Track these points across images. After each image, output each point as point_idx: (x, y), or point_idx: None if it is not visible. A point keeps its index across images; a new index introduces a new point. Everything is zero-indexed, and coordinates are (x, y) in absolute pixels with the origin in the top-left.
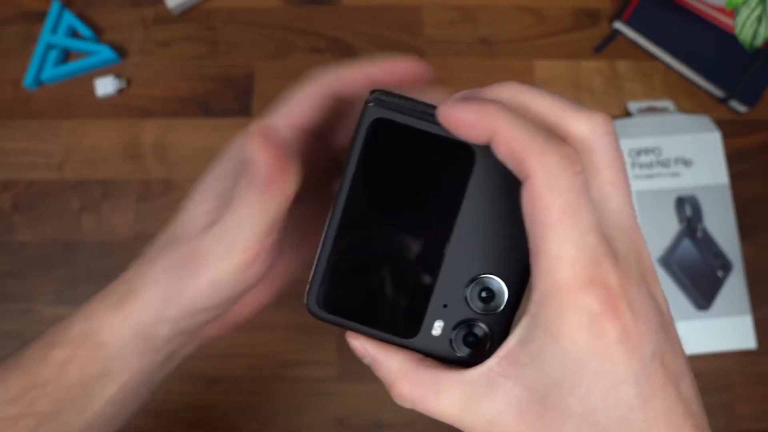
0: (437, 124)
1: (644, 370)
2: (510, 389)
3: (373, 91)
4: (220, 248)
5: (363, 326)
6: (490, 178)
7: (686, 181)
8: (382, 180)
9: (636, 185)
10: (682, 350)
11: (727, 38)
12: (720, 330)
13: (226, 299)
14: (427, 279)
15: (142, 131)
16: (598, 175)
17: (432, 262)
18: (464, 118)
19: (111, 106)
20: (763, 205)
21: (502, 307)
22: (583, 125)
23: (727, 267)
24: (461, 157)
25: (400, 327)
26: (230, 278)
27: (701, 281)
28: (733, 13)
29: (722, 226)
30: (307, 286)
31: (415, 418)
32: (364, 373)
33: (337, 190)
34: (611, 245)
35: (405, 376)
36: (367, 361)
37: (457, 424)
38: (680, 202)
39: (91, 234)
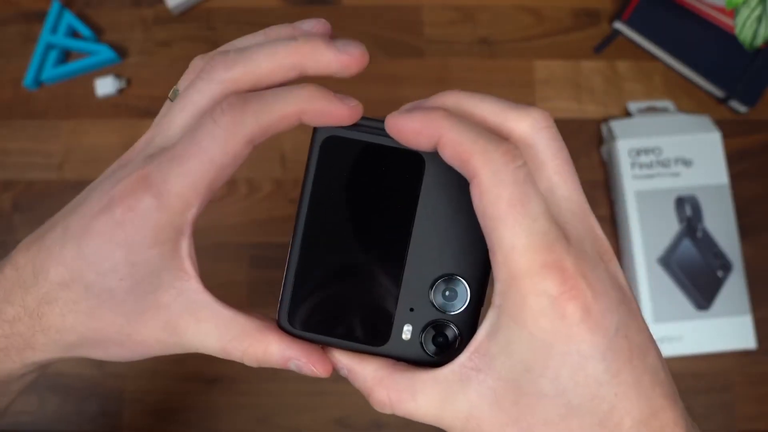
0: (386, 136)
1: (609, 346)
2: (483, 381)
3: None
4: (162, 350)
5: (335, 339)
6: (440, 182)
7: (686, 181)
8: (339, 195)
9: (636, 185)
10: (645, 324)
11: (727, 38)
12: (720, 330)
13: None
14: (391, 286)
15: (142, 131)
16: (543, 167)
17: (394, 268)
18: (410, 127)
19: (111, 106)
20: (763, 205)
21: (466, 305)
22: (523, 123)
23: (727, 267)
24: (411, 165)
25: (371, 336)
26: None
27: (701, 281)
28: (733, 13)
29: (722, 226)
30: (278, 306)
31: None
32: None
33: (297, 210)
34: (564, 230)
35: (380, 382)
36: (343, 372)
37: (437, 424)
38: (680, 202)
39: None
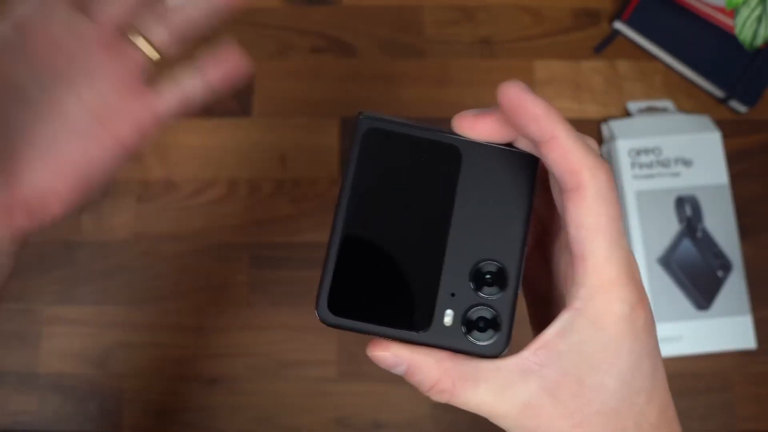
0: (423, 130)
1: (655, 346)
2: (546, 375)
3: (360, 112)
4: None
5: (376, 326)
6: (477, 174)
7: (686, 181)
8: (379, 185)
9: (636, 185)
10: None
11: (727, 38)
12: (720, 330)
13: None
14: (432, 272)
15: None
16: None
17: (435, 255)
18: (532, 110)
19: None
20: (763, 205)
21: (505, 290)
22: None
23: (727, 267)
24: (449, 157)
25: (413, 322)
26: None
27: (701, 281)
28: (733, 13)
29: (722, 226)
30: (316, 295)
31: (415, 418)
32: (364, 373)
33: (338, 198)
34: None
35: (446, 372)
36: (400, 369)
37: (491, 413)
38: (680, 202)
39: (91, 234)
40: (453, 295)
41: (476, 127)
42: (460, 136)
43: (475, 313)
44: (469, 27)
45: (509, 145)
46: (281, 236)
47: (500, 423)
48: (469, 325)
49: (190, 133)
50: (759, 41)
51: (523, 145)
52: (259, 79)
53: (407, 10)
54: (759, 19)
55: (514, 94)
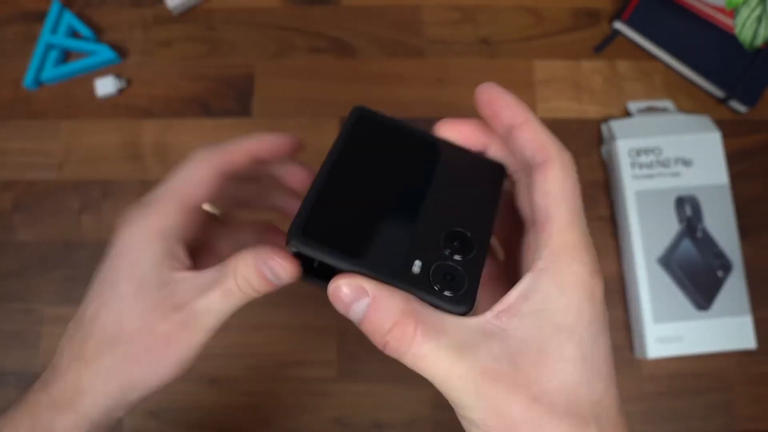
0: (409, 127)
1: (607, 330)
2: (508, 338)
3: (355, 106)
4: (187, 335)
5: (346, 257)
6: (454, 167)
7: (686, 181)
8: (365, 161)
9: (636, 185)
10: None
11: (727, 38)
12: (720, 330)
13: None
14: (406, 228)
15: (142, 131)
16: None
17: (410, 217)
18: (505, 100)
19: (111, 106)
20: (763, 205)
21: (472, 255)
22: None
23: (727, 267)
24: (430, 150)
25: (383, 263)
26: (195, 353)
27: (701, 281)
28: (733, 13)
29: (722, 226)
30: (292, 220)
31: (415, 419)
32: (364, 373)
33: (326, 157)
34: None
35: (412, 313)
36: (362, 304)
37: (446, 375)
38: (680, 202)
39: (91, 234)
40: (423, 250)
41: (456, 128)
42: (441, 138)
43: (442, 269)
44: (469, 27)
45: (482, 153)
46: (281, 236)
47: (452, 391)
48: (436, 277)
49: (190, 133)
50: (759, 41)
51: (493, 154)
52: (259, 79)
53: (407, 9)
54: (759, 19)
55: (490, 88)
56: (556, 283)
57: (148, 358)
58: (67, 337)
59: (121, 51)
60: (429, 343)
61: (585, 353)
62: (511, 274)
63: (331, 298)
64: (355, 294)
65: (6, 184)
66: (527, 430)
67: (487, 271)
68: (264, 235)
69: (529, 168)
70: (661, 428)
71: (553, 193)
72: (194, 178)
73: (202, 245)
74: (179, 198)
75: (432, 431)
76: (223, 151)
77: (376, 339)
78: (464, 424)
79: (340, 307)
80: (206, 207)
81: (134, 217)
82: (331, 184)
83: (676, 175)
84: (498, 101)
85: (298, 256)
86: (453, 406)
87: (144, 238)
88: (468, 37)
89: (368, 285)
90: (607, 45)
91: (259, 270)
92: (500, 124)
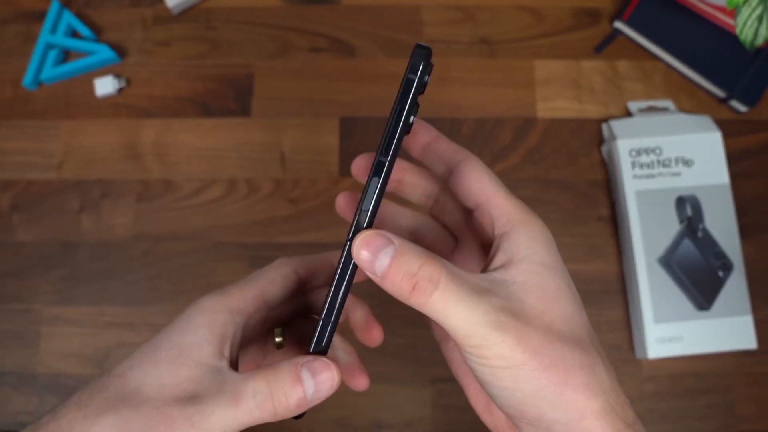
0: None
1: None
2: (511, 283)
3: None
4: (204, 424)
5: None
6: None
7: (687, 180)
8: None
9: (636, 185)
10: None
11: (728, 38)
12: (720, 330)
13: None
14: None
15: (142, 131)
16: None
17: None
18: (420, 131)
19: (110, 106)
20: (763, 204)
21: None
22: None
23: (727, 267)
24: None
25: None
26: None
27: (702, 281)
28: (733, 12)
29: (723, 225)
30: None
31: (415, 419)
32: None
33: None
34: None
35: (435, 257)
36: (387, 252)
37: (467, 317)
38: (681, 202)
39: (91, 234)
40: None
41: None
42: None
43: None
44: (469, 27)
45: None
46: (281, 236)
47: (477, 328)
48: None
49: (190, 133)
50: (760, 41)
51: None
52: (259, 79)
53: (407, 9)
54: (760, 19)
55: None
56: (527, 235)
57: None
58: (85, 387)
59: (120, 51)
60: (454, 284)
61: (570, 286)
62: (466, 251)
63: (357, 250)
64: (382, 241)
65: (5, 184)
66: (549, 354)
67: (445, 250)
68: None
69: (451, 169)
70: (662, 428)
71: (483, 178)
72: (274, 274)
73: (251, 359)
74: (256, 288)
75: (432, 431)
76: (304, 257)
77: (405, 283)
78: (481, 363)
79: (366, 257)
80: (276, 335)
81: (211, 293)
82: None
83: (677, 174)
84: (416, 132)
85: None
86: (470, 349)
87: (209, 310)
88: (468, 37)
89: (391, 236)
90: (607, 45)
91: (295, 374)
92: (416, 144)
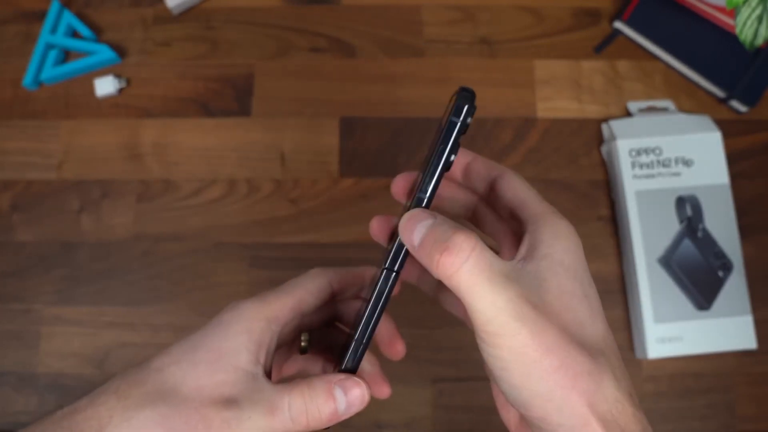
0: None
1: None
2: (533, 277)
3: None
4: (240, 429)
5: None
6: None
7: (687, 180)
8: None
9: (636, 185)
10: None
11: (728, 38)
12: (721, 330)
13: None
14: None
15: (142, 131)
16: None
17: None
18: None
19: (110, 106)
20: (763, 204)
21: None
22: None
23: (727, 267)
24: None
25: None
26: None
27: (702, 281)
28: (733, 12)
29: (723, 225)
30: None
31: (415, 419)
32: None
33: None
34: None
35: (470, 232)
36: (425, 223)
37: (492, 300)
38: (681, 202)
39: (91, 234)
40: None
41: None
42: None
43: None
44: (469, 27)
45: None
46: (281, 236)
47: (499, 314)
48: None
49: (190, 132)
50: (759, 41)
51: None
52: (259, 79)
53: (407, 9)
54: (760, 19)
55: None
56: (551, 233)
57: (179, 430)
58: (122, 376)
59: (120, 51)
60: (485, 262)
61: (586, 292)
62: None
63: (403, 223)
64: (424, 215)
65: (5, 184)
66: (560, 356)
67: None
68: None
69: (490, 184)
70: (662, 428)
71: (518, 187)
72: (311, 285)
73: (275, 360)
74: (293, 298)
75: (432, 431)
76: (339, 269)
77: (436, 249)
78: (493, 355)
79: (408, 227)
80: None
81: (249, 300)
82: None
83: (677, 174)
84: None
85: None
86: (486, 336)
87: (249, 318)
88: (468, 37)
89: (434, 213)
90: (607, 45)
91: (329, 392)
92: (456, 168)
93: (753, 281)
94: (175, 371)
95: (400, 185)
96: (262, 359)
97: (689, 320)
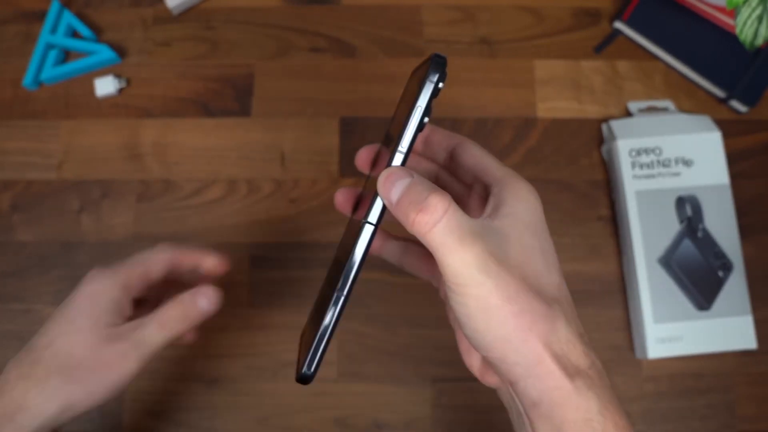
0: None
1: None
2: (498, 234)
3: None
4: (125, 362)
5: None
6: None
7: (687, 180)
8: None
9: (636, 185)
10: None
11: (728, 38)
12: (720, 330)
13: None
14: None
15: (142, 131)
16: None
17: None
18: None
19: (110, 106)
20: (764, 204)
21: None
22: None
23: (727, 267)
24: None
25: None
26: (129, 379)
27: (702, 281)
28: (733, 12)
29: (723, 225)
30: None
31: (415, 419)
32: (363, 373)
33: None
34: None
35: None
36: (404, 181)
37: (461, 255)
38: (681, 202)
39: (91, 234)
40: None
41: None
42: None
43: None
44: (469, 27)
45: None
46: (281, 236)
47: (465, 268)
48: None
49: (190, 132)
50: (760, 41)
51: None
52: (259, 79)
53: (407, 9)
54: (760, 19)
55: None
56: (513, 194)
57: (90, 381)
58: (16, 360)
59: (120, 51)
60: (457, 221)
61: (543, 247)
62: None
63: (381, 179)
64: (403, 173)
65: (5, 184)
66: (519, 303)
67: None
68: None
69: (449, 153)
70: (662, 428)
71: (478, 154)
72: (155, 257)
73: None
74: (142, 268)
75: (432, 431)
76: (181, 247)
77: (412, 208)
78: (460, 303)
79: (387, 184)
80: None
81: (104, 271)
82: None
83: (677, 174)
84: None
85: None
86: (454, 287)
87: (108, 287)
88: (468, 37)
89: (412, 172)
90: (607, 45)
91: (193, 304)
92: (419, 140)
93: (753, 281)
94: (63, 343)
95: (363, 157)
96: (125, 314)
97: (689, 320)
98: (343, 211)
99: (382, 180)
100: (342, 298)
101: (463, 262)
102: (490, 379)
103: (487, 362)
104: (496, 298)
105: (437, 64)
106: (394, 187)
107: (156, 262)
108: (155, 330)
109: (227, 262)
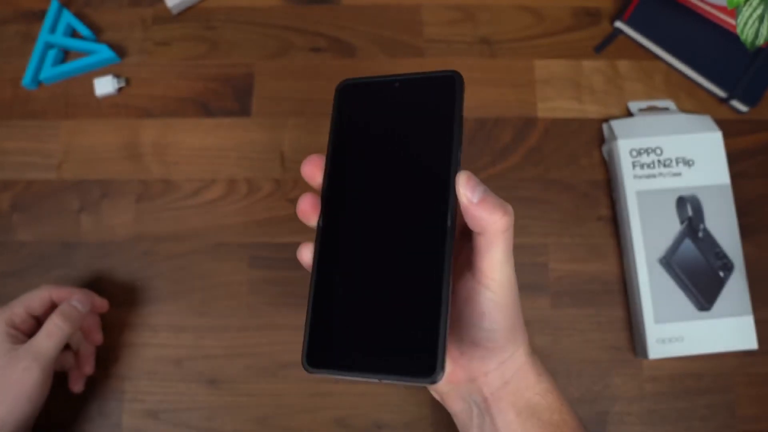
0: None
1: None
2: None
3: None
4: (30, 373)
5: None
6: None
7: (687, 180)
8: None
9: (637, 185)
10: None
11: (729, 38)
12: (721, 330)
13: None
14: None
15: (142, 131)
16: None
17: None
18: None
19: (110, 106)
20: (764, 204)
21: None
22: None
23: (728, 267)
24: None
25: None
26: (42, 388)
27: (702, 281)
28: (734, 12)
29: (724, 225)
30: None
31: (415, 419)
32: None
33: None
34: None
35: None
36: (481, 188)
37: (497, 258)
38: (681, 202)
39: (90, 234)
40: None
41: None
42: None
43: None
44: (469, 26)
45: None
46: (281, 236)
47: (494, 272)
48: None
49: (189, 132)
50: (760, 41)
51: None
52: (259, 79)
53: (407, 9)
54: (761, 19)
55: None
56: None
57: (7, 399)
58: None
59: (120, 50)
60: (507, 232)
61: (516, 301)
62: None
63: (463, 180)
64: (477, 180)
65: (5, 184)
66: (518, 305)
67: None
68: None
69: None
70: (662, 429)
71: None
72: (35, 296)
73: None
74: (23, 303)
75: (432, 431)
76: (58, 289)
77: (498, 208)
78: (490, 288)
79: (469, 186)
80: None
81: None
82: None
83: (677, 174)
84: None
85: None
86: (491, 281)
87: None
88: (468, 37)
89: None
90: (607, 44)
91: (68, 307)
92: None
93: (754, 281)
94: None
95: (313, 168)
96: (20, 339)
97: (690, 321)
98: (307, 217)
99: (464, 180)
100: (443, 306)
101: (510, 264)
102: (452, 404)
103: (482, 354)
104: (515, 297)
105: (461, 89)
106: (476, 190)
107: (34, 299)
108: (44, 339)
109: (97, 300)
